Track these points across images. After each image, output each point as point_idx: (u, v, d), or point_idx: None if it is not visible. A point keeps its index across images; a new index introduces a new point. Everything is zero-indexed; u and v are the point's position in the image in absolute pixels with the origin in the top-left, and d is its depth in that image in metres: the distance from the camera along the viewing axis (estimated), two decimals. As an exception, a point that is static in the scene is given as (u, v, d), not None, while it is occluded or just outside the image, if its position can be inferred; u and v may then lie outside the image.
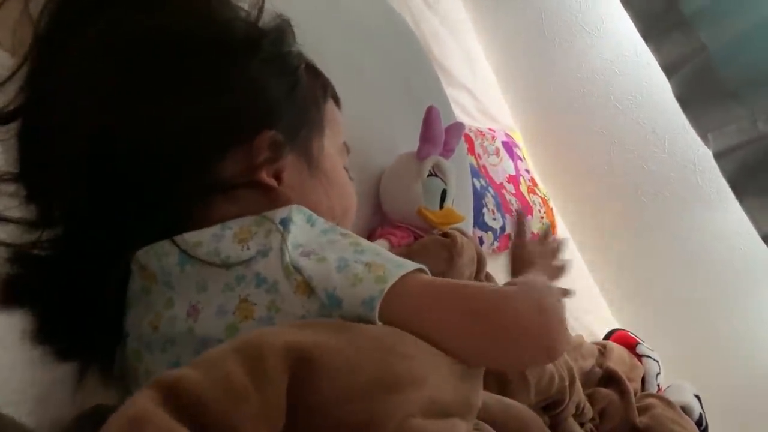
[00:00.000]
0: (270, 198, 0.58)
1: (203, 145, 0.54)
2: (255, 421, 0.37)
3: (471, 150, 1.55)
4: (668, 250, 1.82)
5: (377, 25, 1.08)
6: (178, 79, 0.53)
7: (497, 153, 1.66)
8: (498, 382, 0.99)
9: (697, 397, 1.49)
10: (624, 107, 1.83)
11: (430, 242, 0.89)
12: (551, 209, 1.79)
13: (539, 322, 0.52)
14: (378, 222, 0.98)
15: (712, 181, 1.66)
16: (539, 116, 2.00)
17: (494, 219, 1.46)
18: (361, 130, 0.96)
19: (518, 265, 0.91)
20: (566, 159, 1.96)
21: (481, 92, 1.89)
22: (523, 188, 1.69)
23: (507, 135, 1.81)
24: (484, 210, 1.44)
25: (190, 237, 0.52)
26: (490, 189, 1.52)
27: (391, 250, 0.93)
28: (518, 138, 1.91)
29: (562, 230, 1.89)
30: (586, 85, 1.89)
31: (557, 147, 1.98)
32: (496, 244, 1.46)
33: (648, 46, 1.63)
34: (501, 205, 1.52)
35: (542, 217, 1.69)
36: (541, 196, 1.76)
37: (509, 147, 1.75)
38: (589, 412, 1.29)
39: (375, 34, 1.06)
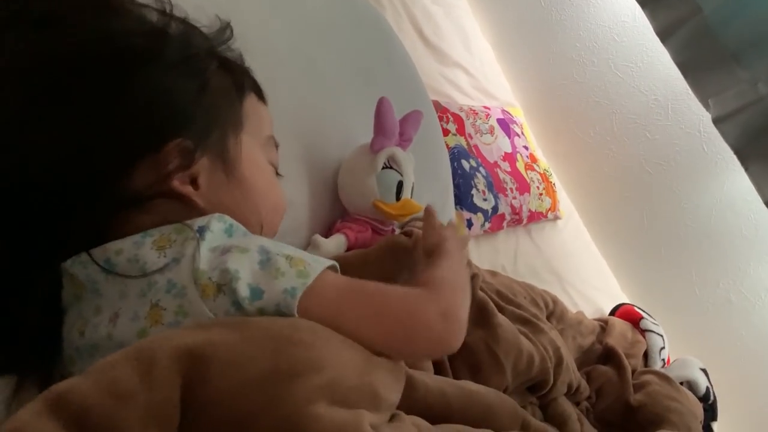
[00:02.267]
0: (187, 205, 0.58)
1: (107, 162, 0.54)
2: (143, 420, 0.39)
3: (461, 130, 1.53)
4: (676, 220, 1.77)
5: (334, 15, 1.06)
6: (71, 98, 0.53)
7: (491, 131, 1.64)
8: (469, 366, 0.99)
9: (704, 370, 1.46)
10: (624, 75, 1.77)
11: (389, 247, 0.88)
12: (552, 184, 1.76)
13: (441, 328, 0.59)
14: (339, 215, 0.99)
15: (718, 147, 1.61)
16: (540, 90, 1.95)
17: (485, 200, 1.45)
18: (316, 123, 0.97)
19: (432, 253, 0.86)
20: (568, 131, 1.92)
21: (478, 69, 1.86)
22: (520, 165, 1.66)
23: (504, 111, 1.78)
24: (473, 191, 1.43)
25: (112, 245, 0.53)
26: (481, 169, 1.50)
27: (349, 246, 0.93)
28: (518, 114, 1.88)
29: (566, 205, 1.86)
30: (586, 54, 1.84)
31: (559, 120, 1.94)
32: (487, 224, 1.45)
33: (644, 11, 1.58)
34: (493, 185, 1.51)
35: (541, 194, 1.67)
36: (540, 172, 1.73)
37: (505, 124, 1.72)
38: (585, 390, 1.28)
39: (330, 25, 1.05)
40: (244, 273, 0.51)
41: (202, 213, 0.58)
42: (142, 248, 0.53)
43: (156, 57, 0.57)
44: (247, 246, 0.53)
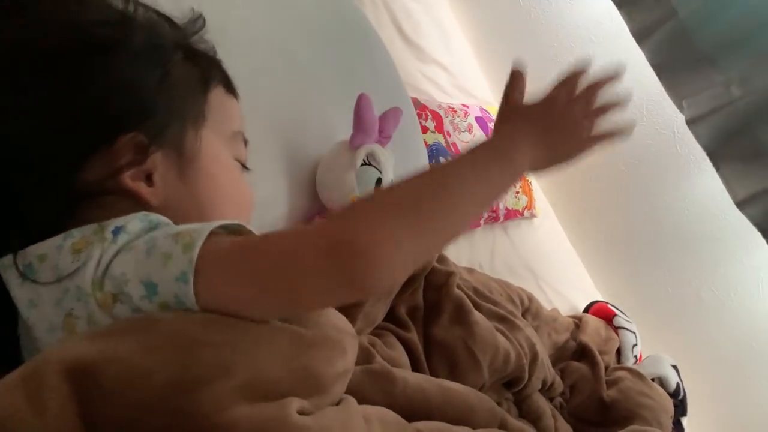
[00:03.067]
0: (140, 203, 0.56)
1: (57, 154, 0.53)
2: None
3: (439, 128, 1.54)
4: (649, 220, 1.80)
5: (313, 10, 1.06)
6: (26, 86, 0.52)
7: (470, 129, 1.65)
8: (448, 363, 1.00)
9: (675, 367, 1.49)
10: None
11: None
12: (528, 183, 1.77)
13: (325, 266, 0.45)
14: (317, 211, 0.99)
15: (692, 148, 1.63)
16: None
17: (462, 197, 1.45)
18: (294, 118, 0.96)
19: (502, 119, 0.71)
20: (545, 131, 1.93)
21: (457, 68, 1.86)
22: (497, 164, 1.67)
23: (482, 110, 1.79)
24: (451, 189, 1.43)
25: (35, 249, 0.51)
26: (459, 167, 1.51)
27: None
28: (496, 112, 1.89)
29: (541, 203, 1.88)
30: (563, 54, 1.86)
31: (536, 119, 1.95)
32: (465, 222, 1.46)
33: (620, 12, 1.60)
34: (471, 183, 1.51)
35: (517, 192, 1.68)
36: (517, 171, 1.74)
37: (484, 122, 1.73)
38: (559, 386, 1.29)
39: (310, 20, 1.04)
40: (131, 272, 0.47)
41: (156, 211, 0.56)
42: (61, 252, 0.50)
43: (118, 46, 0.56)
44: (136, 243, 0.49)
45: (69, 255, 0.49)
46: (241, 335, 0.46)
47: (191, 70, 0.64)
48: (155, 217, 0.54)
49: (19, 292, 0.50)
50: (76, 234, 0.51)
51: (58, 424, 0.39)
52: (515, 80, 0.71)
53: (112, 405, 0.40)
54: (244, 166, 0.70)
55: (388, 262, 0.46)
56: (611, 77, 0.70)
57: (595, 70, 0.67)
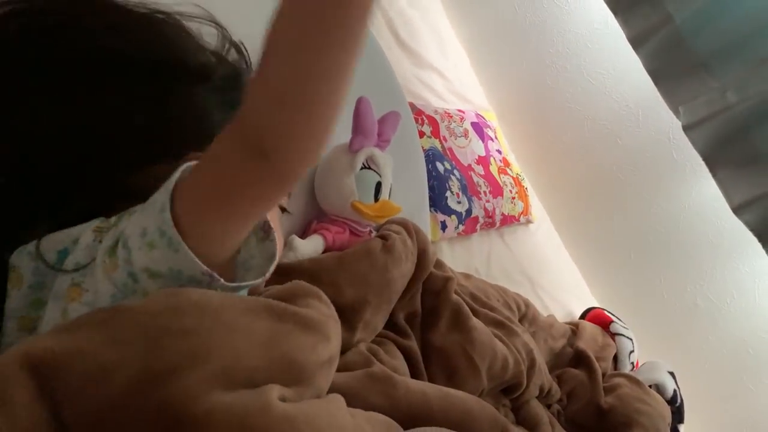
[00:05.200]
0: None
1: (124, 155, 0.56)
2: None
3: (436, 133, 1.53)
4: (645, 226, 1.80)
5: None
6: (117, 89, 0.55)
7: (465, 134, 1.64)
8: (446, 370, 0.99)
9: (672, 373, 1.49)
10: (597, 82, 1.80)
11: (365, 250, 0.87)
12: (524, 189, 1.77)
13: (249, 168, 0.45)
14: (314, 215, 0.98)
15: (687, 154, 1.63)
16: (513, 94, 1.97)
17: (459, 202, 1.45)
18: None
19: None
20: (541, 137, 1.94)
21: (453, 73, 1.86)
22: (494, 169, 1.67)
23: (478, 115, 1.78)
24: (448, 194, 1.43)
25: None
26: (455, 172, 1.50)
27: (326, 248, 0.92)
28: (492, 118, 1.89)
29: (537, 208, 1.87)
30: (559, 60, 1.86)
31: (532, 125, 1.95)
32: (461, 227, 1.45)
33: (616, 19, 1.60)
34: (467, 188, 1.51)
35: (513, 198, 1.67)
36: (513, 176, 1.74)
37: (479, 128, 1.73)
38: (557, 393, 1.29)
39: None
40: (131, 229, 0.48)
41: None
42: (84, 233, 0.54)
43: (205, 78, 0.61)
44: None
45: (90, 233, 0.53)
46: (213, 322, 0.45)
47: None
48: None
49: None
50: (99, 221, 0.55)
51: (25, 422, 0.37)
52: None
53: (82, 401, 0.39)
54: (283, 210, 0.73)
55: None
56: None
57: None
